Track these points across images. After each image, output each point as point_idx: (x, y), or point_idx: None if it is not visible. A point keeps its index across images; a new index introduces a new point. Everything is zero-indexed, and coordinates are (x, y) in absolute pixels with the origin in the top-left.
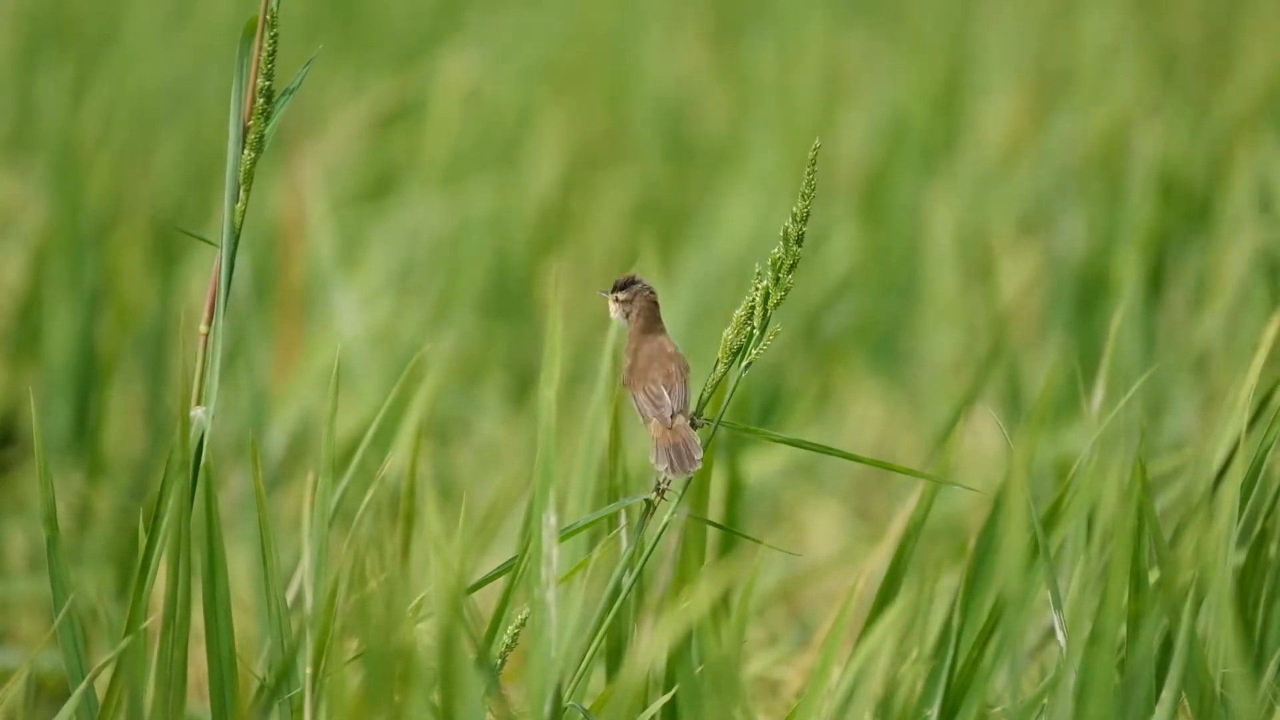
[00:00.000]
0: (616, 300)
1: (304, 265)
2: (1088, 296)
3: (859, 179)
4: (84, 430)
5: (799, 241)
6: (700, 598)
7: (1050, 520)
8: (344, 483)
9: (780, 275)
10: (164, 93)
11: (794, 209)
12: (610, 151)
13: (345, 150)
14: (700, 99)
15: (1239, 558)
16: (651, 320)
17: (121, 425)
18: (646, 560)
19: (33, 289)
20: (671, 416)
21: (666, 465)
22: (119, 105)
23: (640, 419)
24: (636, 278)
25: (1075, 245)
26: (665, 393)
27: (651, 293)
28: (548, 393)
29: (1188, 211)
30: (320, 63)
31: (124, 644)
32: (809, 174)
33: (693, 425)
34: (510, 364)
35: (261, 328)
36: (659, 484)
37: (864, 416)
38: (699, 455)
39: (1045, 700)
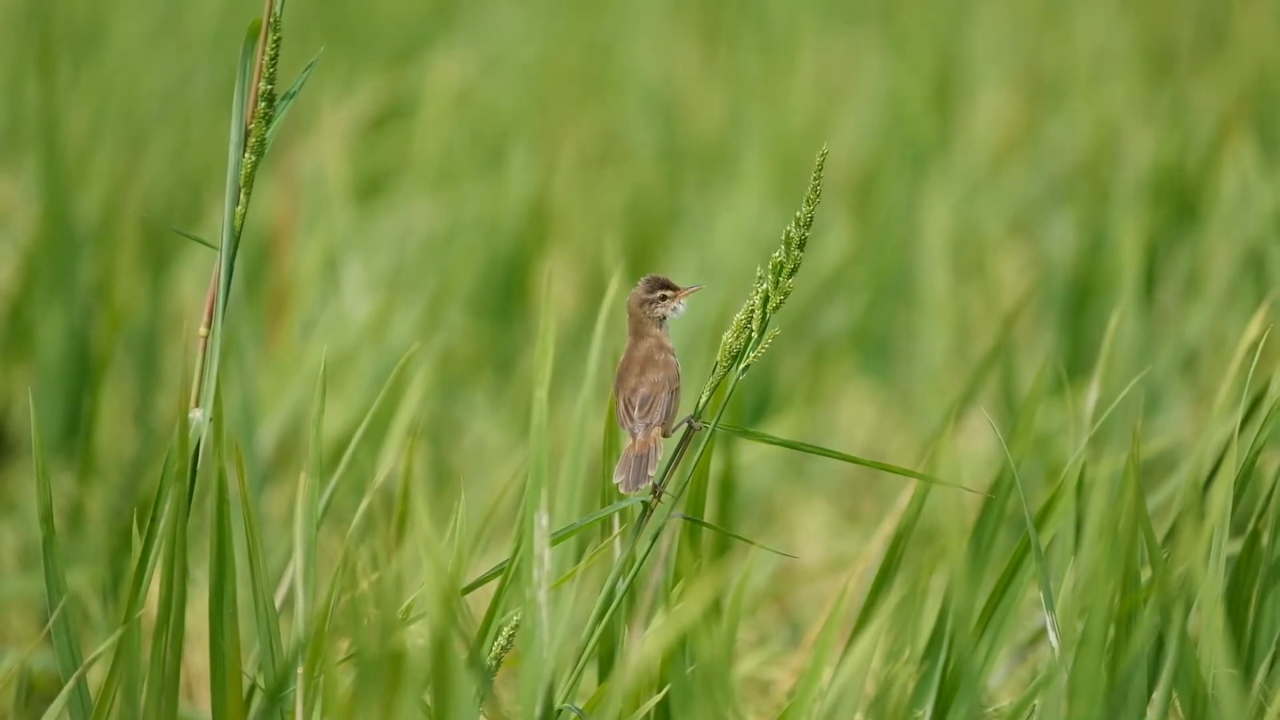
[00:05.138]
0: (664, 299)
1: (295, 265)
2: (1079, 296)
3: (851, 179)
4: (75, 430)
5: (801, 246)
6: (691, 605)
7: (1042, 520)
8: (333, 483)
9: (780, 279)
10: (154, 94)
11: (797, 213)
12: (602, 152)
13: (336, 150)
14: (691, 100)
15: (1231, 553)
16: (652, 326)
17: (113, 425)
18: (640, 565)
19: (24, 290)
20: (646, 429)
21: (623, 479)
22: (109, 107)
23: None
24: (655, 278)
25: (1066, 246)
26: (640, 404)
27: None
28: (539, 393)
29: (1178, 211)
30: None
31: (120, 632)
32: (814, 179)
33: (690, 427)
34: (502, 364)
35: (252, 327)
36: (656, 486)
37: (855, 416)
38: (651, 472)
39: (1037, 701)
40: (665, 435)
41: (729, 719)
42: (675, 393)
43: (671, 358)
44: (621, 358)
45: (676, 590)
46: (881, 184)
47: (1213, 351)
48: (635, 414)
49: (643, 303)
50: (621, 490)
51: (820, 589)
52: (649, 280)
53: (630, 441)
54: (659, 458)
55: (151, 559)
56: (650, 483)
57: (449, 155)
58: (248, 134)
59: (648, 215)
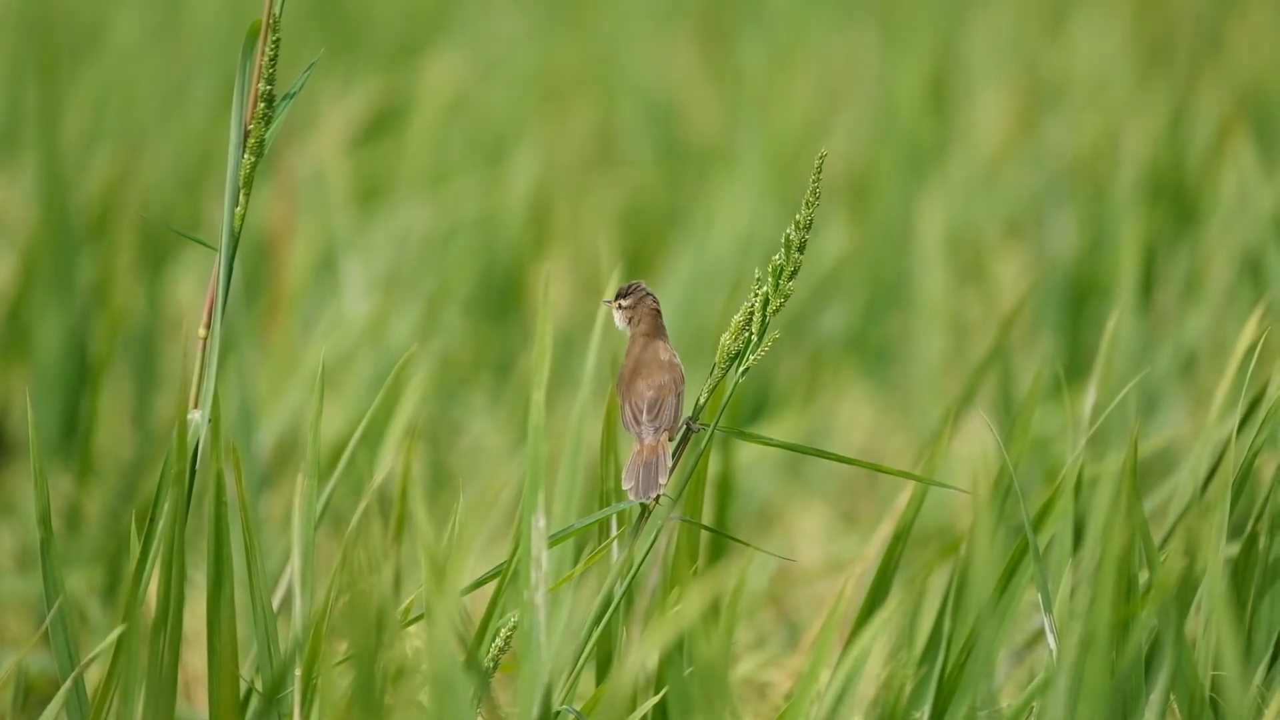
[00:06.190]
0: (620, 308)
1: (293, 266)
2: (1077, 298)
3: (848, 180)
4: (73, 431)
5: (801, 249)
6: (689, 607)
7: (1040, 522)
8: (331, 484)
9: (780, 282)
10: (153, 95)
11: (797, 216)
12: (600, 154)
13: (334, 152)
14: (690, 101)
15: (1230, 553)
16: (653, 328)
17: (111, 427)
18: (639, 568)
19: (22, 290)
20: (655, 434)
21: (632, 485)
22: (108, 107)
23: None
24: (638, 285)
25: (1065, 247)
26: (649, 408)
27: (654, 301)
28: (537, 395)
29: (1176, 213)
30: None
31: (117, 633)
32: (814, 182)
33: (688, 430)
34: (500, 366)
35: (251, 329)
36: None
37: (853, 418)
38: (663, 481)
39: (1035, 703)
40: (670, 439)
41: None
42: (681, 395)
43: (675, 359)
44: (624, 361)
45: (673, 594)
46: (879, 185)
47: (1211, 353)
48: (644, 418)
49: (654, 308)
50: (631, 498)
51: (818, 591)
52: (630, 287)
53: (638, 446)
54: (669, 464)
55: (149, 560)
56: (661, 490)
57: (446, 157)
58: (247, 134)
59: (645, 217)
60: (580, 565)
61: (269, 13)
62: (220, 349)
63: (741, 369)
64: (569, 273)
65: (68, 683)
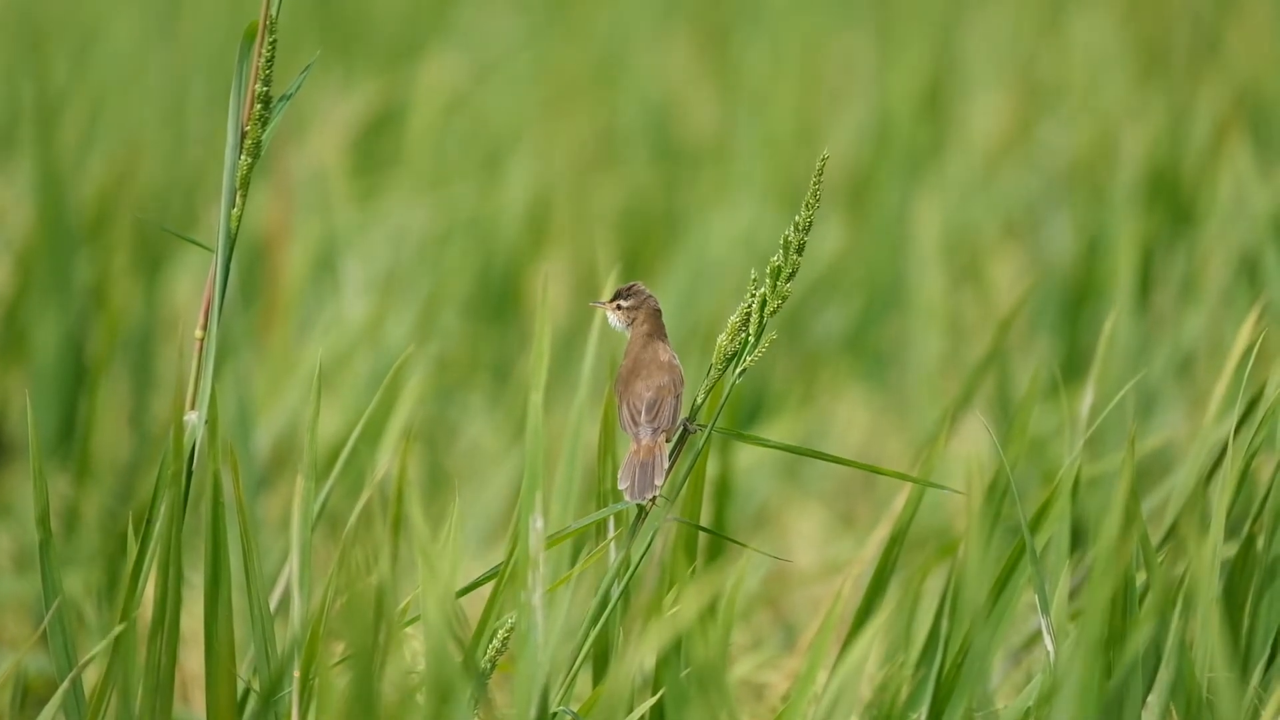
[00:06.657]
0: (619, 308)
1: (290, 268)
2: (1075, 299)
3: (845, 181)
4: (71, 433)
5: (800, 251)
6: (687, 607)
7: (1037, 523)
8: (329, 486)
9: (778, 283)
10: (150, 96)
11: (796, 217)
12: (598, 155)
13: (331, 153)
14: (688, 103)
15: (1227, 553)
16: (653, 329)
17: (108, 428)
18: (636, 568)
19: (19, 292)
20: (653, 434)
21: (628, 486)
22: (105, 108)
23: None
24: (638, 286)
25: (1062, 248)
26: (647, 409)
27: (655, 301)
28: (535, 397)
29: (1173, 214)
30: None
31: (115, 634)
32: (814, 184)
33: (685, 430)
34: (497, 367)
35: (248, 330)
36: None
37: (849, 420)
38: (659, 482)
39: (1032, 705)
40: (668, 439)
41: None
42: (679, 396)
43: (675, 360)
44: (623, 360)
45: (670, 595)
46: (876, 186)
47: (1208, 354)
48: (642, 418)
49: (656, 309)
50: (627, 498)
51: (815, 592)
52: (629, 288)
53: (635, 446)
54: (665, 465)
55: (147, 561)
56: (657, 491)
57: (444, 158)
58: (244, 135)
59: (643, 218)
60: (578, 566)
61: (266, 14)
62: (217, 350)
63: (739, 370)
64: (567, 274)
65: (65, 683)
